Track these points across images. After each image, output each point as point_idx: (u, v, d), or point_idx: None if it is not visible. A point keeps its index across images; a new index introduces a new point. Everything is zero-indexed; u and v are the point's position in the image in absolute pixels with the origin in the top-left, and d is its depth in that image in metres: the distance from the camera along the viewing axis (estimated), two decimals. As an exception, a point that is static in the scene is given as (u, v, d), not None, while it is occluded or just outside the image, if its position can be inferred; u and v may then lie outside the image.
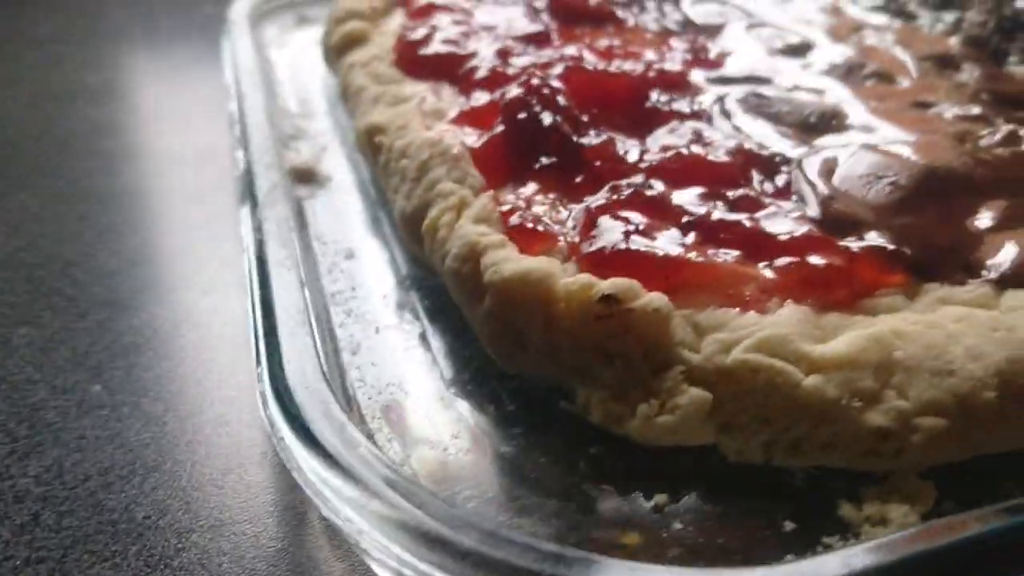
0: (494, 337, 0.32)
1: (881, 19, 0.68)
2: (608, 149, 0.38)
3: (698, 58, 0.54)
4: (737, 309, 0.30)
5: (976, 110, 0.48)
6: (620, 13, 0.64)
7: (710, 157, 0.38)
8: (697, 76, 0.51)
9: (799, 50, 0.58)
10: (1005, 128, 0.43)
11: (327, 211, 0.43)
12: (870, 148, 0.40)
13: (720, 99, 0.48)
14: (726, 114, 0.46)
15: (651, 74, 0.47)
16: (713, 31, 0.61)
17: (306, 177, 0.45)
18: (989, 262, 0.33)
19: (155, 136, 0.65)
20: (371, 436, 0.28)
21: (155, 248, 0.50)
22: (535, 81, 0.42)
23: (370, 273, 0.38)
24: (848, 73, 0.55)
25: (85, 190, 0.55)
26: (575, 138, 0.39)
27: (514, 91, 0.42)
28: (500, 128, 0.40)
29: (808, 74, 0.54)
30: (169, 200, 0.57)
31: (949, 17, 0.68)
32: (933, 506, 0.26)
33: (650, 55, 0.53)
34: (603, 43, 0.56)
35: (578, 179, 0.38)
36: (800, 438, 0.28)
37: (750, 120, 0.46)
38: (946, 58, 0.57)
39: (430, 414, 0.30)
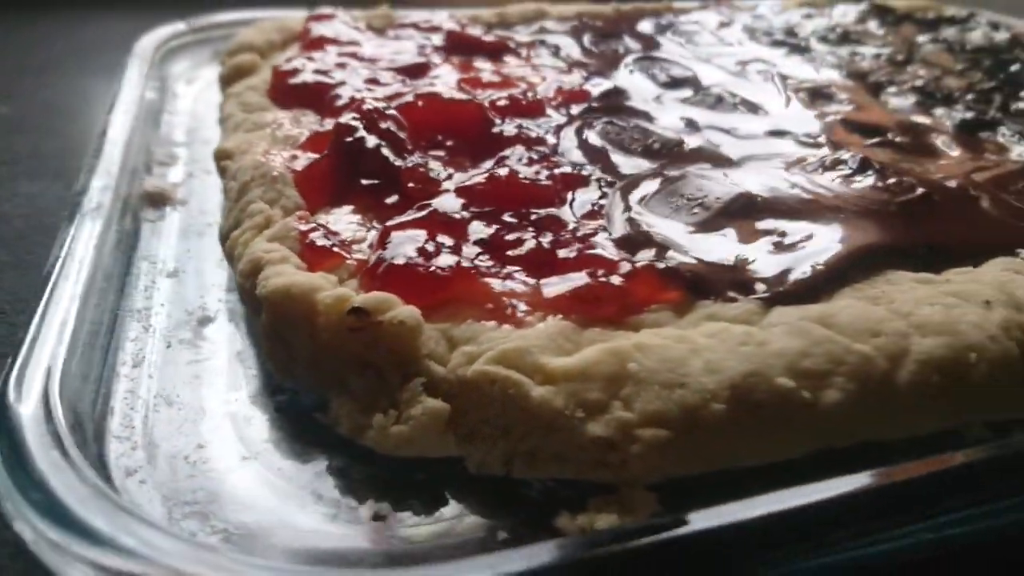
0: (270, 350, 0.32)
1: (777, 52, 0.69)
2: (419, 172, 0.39)
3: (572, 91, 0.55)
4: (494, 323, 0.31)
5: (823, 138, 0.48)
6: (517, 48, 0.65)
7: (525, 179, 0.39)
8: (564, 105, 0.52)
9: (681, 83, 0.59)
10: (831, 156, 0.43)
11: (170, 232, 0.44)
12: (696, 175, 0.41)
13: (579, 127, 0.49)
14: (575, 140, 0.47)
15: (503, 102, 0.48)
16: (608, 63, 0.62)
17: (158, 200, 0.46)
18: (760, 281, 0.33)
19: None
20: (101, 450, 0.28)
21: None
22: (366, 107, 0.42)
23: (188, 292, 0.39)
24: (718, 103, 0.55)
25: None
26: (394, 161, 0.40)
27: (346, 117, 0.43)
28: (326, 152, 0.41)
29: (680, 105, 0.55)
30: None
31: (843, 51, 0.69)
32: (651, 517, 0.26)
33: (522, 86, 0.55)
34: (485, 76, 0.57)
35: (391, 200, 0.39)
36: (534, 449, 0.28)
37: (597, 147, 0.46)
38: (820, 90, 0.58)
39: (187, 425, 0.30)
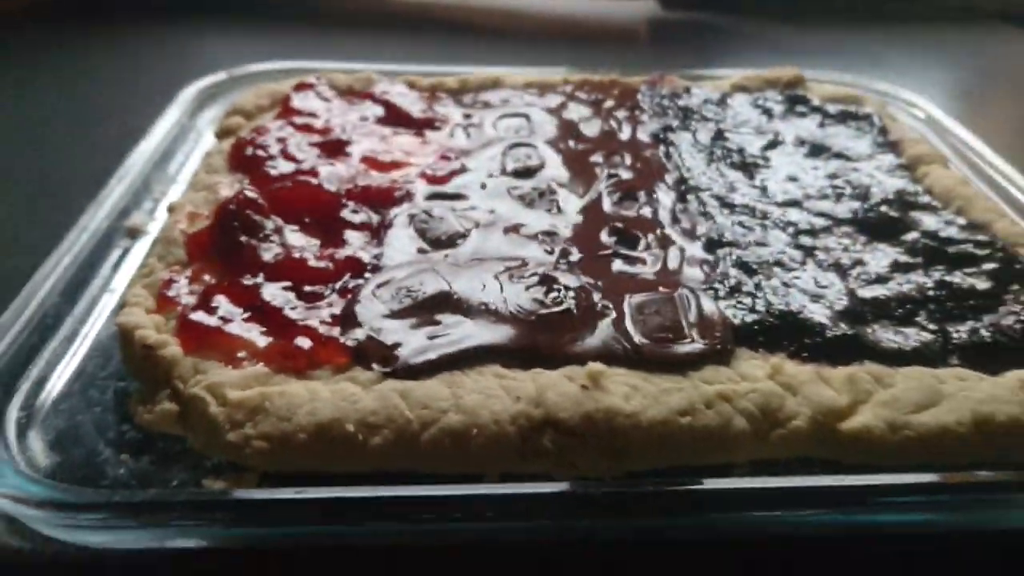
0: (123, 357, 0.56)
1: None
2: (252, 251, 0.60)
3: (432, 176, 0.73)
4: (225, 364, 0.52)
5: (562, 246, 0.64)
6: (440, 126, 0.84)
7: (310, 263, 0.59)
8: (417, 190, 0.71)
9: (527, 173, 0.76)
10: (530, 269, 0.60)
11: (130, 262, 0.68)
12: (424, 271, 0.59)
13: (408, 214, 0.68)
14: (393, 226, 0.66)
15: (356, 189, 0.68)
16: (485, 144, 0.80)
17: (133, 233, 0.71)
18: (395, 359, 0.52)
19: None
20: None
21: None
22: (244, 195, 0.64)
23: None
24: (539, 197, 0.71)
25: None
26: (244, 239, 0.62)
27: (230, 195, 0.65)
28: (210, 224, 0.64)
29: (503, 196, 0.71)
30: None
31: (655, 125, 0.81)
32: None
33: (400, 170, 0.74)
34: (385, 156, 0.77)
35: (238, 268, 0.61)
36: (213, 441, 0.49)
37: (403, 232, 0.65)
38: (632, 191, 0.72)
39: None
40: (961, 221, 0.69)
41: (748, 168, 0.77)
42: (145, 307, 0.56)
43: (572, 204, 0.70)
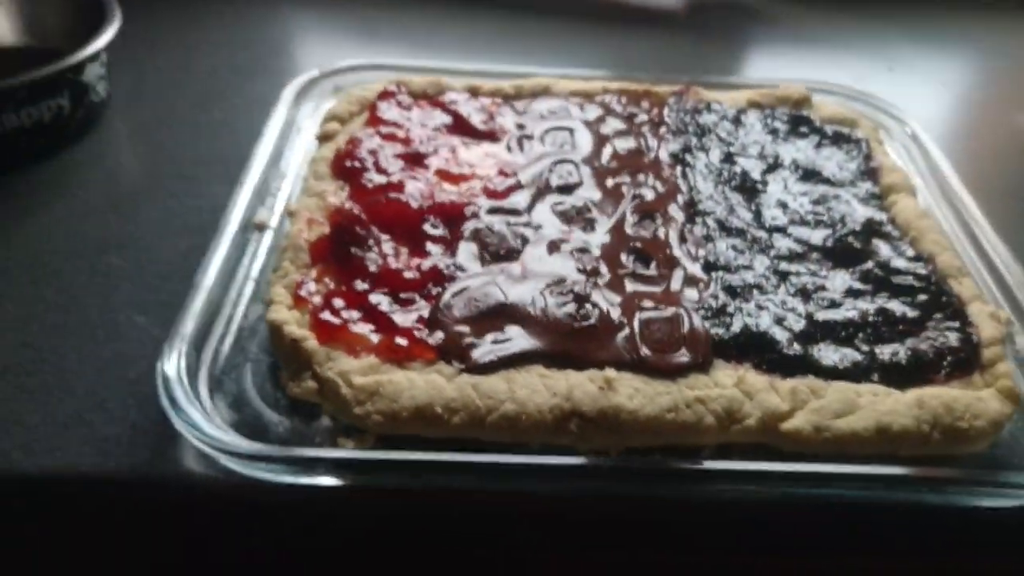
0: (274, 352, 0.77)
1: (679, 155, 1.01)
2: (360, 262, 0.81)
3: (493, 191, 0.92)
4: (348, 354, 0.73)
5: (593, 264, 0.83)
6: (498, 136, 1.02)
7: (404, 275, 0.80)
8: (481, 205, 0.90)
9: (567, 189, 0.94)
10: (568, 286, 0.79)
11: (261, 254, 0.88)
12: (489, 283, 0.79)
13: (474, 228, 0.87)
14: (463, 239, 0.86)
15: (434, 205, 0.87)
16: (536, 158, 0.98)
17: (260, 227, 0.91)
18: (469, 358, 0.73)
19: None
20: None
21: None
22: (350, 212, 0.84)
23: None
24: (576, 214, 0.91)
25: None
26: (353, 251, 0.82)
27: (347, 204, 0.85)
28: (328, 232, 0.84)
29: (549, 212, 0.91)
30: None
31: (676, 145, 0.99)
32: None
33: (467, 183, 0.93)
34: (455, 169, 0.95)
35: (350, 273, 0.81)
36: (343, 411, 0.71)
37: (470, 246, 0.85)
38: (652, 211, 0.91)
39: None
40: (910, 252, 0.87)
41: (748, 191, 0.94)
42: (286, 304, 0.77)
43: (602, 223, 0.89)
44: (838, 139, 1.04)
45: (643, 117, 1.06)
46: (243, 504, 0.69)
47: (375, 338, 0.74)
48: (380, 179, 0.91)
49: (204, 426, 0.66)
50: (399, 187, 0.89)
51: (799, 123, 1.06)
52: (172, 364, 0.70)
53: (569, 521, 0.70)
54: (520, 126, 1.03)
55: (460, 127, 1.01)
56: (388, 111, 1.01)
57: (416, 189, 0.89)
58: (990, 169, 1.17)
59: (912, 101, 1.31)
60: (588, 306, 0.77)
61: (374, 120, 1.01)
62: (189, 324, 0.74)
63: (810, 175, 0.98)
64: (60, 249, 0.91)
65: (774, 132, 1.04)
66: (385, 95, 1.04)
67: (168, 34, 1.32)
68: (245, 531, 0.71)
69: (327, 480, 0.68)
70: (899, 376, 0.75)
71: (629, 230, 0.88)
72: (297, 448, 0.68)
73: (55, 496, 0.70)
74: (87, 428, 0.72)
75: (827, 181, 0.97)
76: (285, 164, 0.99)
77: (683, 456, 0.70)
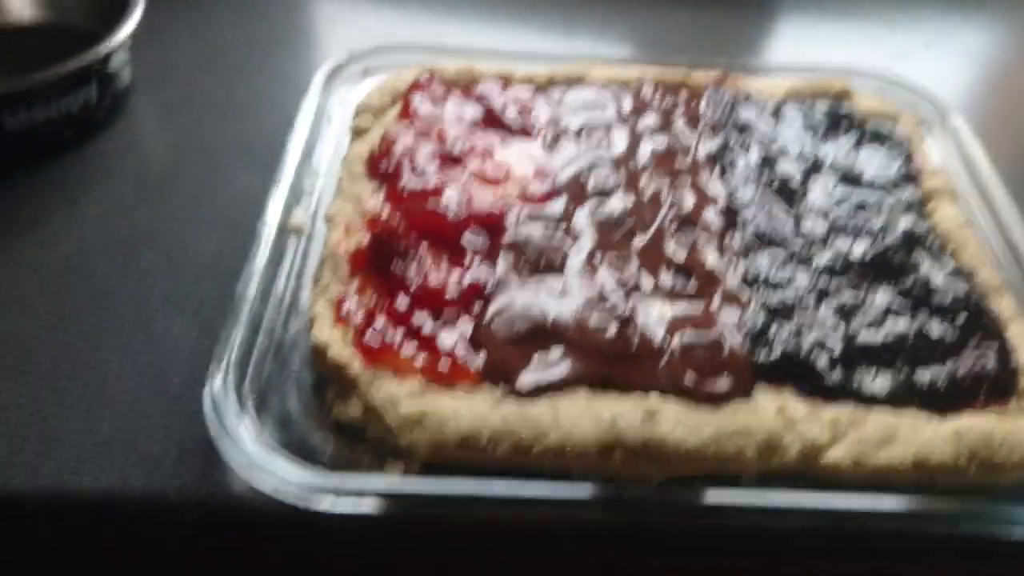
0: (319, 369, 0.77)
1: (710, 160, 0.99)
2: (400, 279, 0.80)
3: (534, 197, 0.91)
4: (393, 376, 0.74)
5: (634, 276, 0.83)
6: (537, 134, 1.00)
7: (446, 295, 0.79)
8: (519, 213, 0.89)
9: (603, 194, 0.93)
10: (610, 306, 0.79)
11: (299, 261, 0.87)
12: (530, 300, 0.79)
13: (513, 240, 0.86)
14: (502, 250, 0.85)
15: (472, 214, 0.86)
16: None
17: (298, 231, 0.90)
18: (517, 381, 0.73)
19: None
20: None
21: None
22: (389, 225, 0.83)
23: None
24: (614, 225, 0.90)
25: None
26: (393, 266, 0.81)
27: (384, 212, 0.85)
28: (367, 243, 0.83)
29: (587, 223, 0.90)
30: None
31: (713, 145, 0.98)
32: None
33: (503, 186, 0.92)
34: (491, 171, 0.94)
35: (391, 287, 0.81)
36: (387, 435, 0.72)
37: (509, 258, 0.84)
38: (689, 218, 0.90)
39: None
40: (951, 267, 0.87)
41: (788, 196, 0.93)
42: (328, 322, 0.77)
43: (640, 233, 0.88)
44: (878, 137, 1.02)
45: (680, 112, 1.03)
46: (293, 530, 0.71)
47: (419, 360, 0.75)
48: (417, 183, 0.90)
49: (255, 458, 0.68)
50: (436, 192, 0.88)
51: (839, 119, 1.04)
52: (219, 392, 0.71)
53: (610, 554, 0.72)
54: (555, 121, 1.01)
55: (494, 122, 0.99)
56: (422, 105, 0.99)
57: (454, 195, 0.88)
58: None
59: (951, 81, 1.28)
60: (629, 330, 0.77)
61: (407, 114, 0.99)
62: (235, 342, 0.75)
63: (850, 179, 0.96)
64: (90, 247, 0.90)
65: (813, 128, 1.02)
66: (417, 86, 1.02)
67: (188, 8, 1.28)
68: (295, 556, 0.73)
69: (376, 507, 0.69)
70: (937, 403, 0.75)
71: (668, 241, 0.87)
72: (347, 475, 0.69)
73: (101, 520, 0.72)
74: (131, 446, 0.73)
75: (868, 185, 0.96)
76: (317, 159, 0.98)
77: (722, 483, 0.71)
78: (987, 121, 1.22)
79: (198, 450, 0.73)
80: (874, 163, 0.98)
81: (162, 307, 0.84)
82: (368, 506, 0.68)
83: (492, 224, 0.87)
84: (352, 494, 0.68)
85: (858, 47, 1.33)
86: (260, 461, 0.68)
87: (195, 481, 0.72)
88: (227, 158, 1.03)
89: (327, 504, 0.68)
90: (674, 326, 0.78)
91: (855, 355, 0.78)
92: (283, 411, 0.74)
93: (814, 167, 0.97)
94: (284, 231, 0.88)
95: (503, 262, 0.83)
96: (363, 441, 0.73)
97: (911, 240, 0.89)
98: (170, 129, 1.06)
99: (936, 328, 0.80)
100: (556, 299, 0.80)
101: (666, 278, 0.84)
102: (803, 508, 0.69)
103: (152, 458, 0.73)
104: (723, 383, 0.74)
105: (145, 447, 0.73)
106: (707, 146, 0.99)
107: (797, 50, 1.33)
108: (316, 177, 0.95)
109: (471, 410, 0.71)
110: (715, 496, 0.69)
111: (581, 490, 0.69)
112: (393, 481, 0.70)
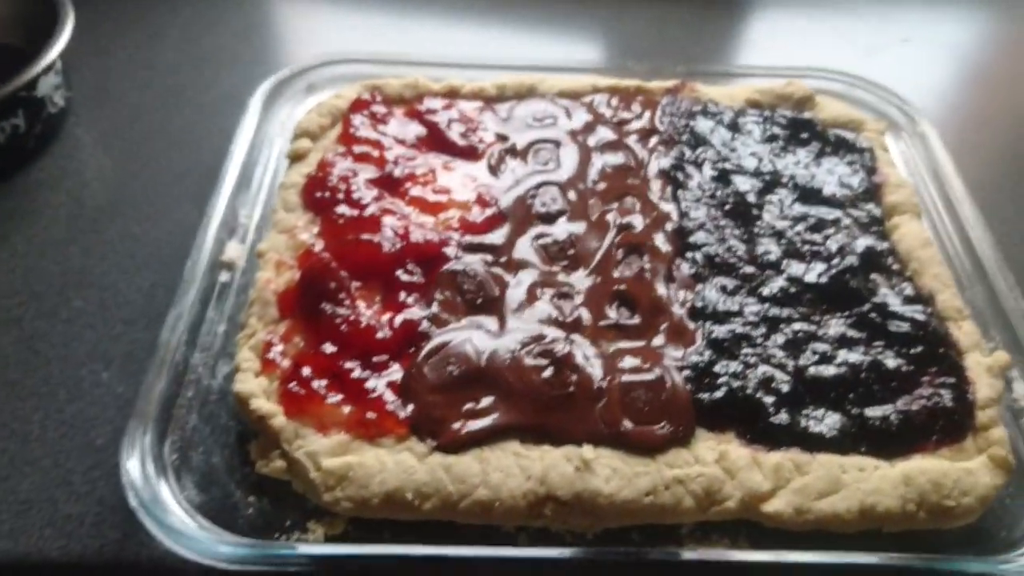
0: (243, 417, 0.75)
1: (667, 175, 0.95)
2: (330, 321, 0.77)
3: (471, 224, 0.87)
4: (317, 430, 0.71)
5: (576, 313, 0.79)
6: (478, 151, 0.96)
7: (378, 334, 0.76)
8: (459, 242, 0.85)
9: (549, 218, 0.89)
10: (543, 345, 0.75)
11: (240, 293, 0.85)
12: (464, 339, 0.76)
13: (451, 270, 0.82)
14: (439, 285, 0.82)
15: (409, 245, 0.82)
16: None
17: (228, 266, 0.87)
18: (445, 433, 0.70)
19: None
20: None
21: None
22: (319, 262, 0.80)
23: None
24: (559, 253, 0.86)
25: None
26: (323, 306, 0.78)
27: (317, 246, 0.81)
28: (296, 282, 0.80)
29: (530, 248, 0.86)
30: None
31: (667, 161, 0.93)
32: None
33: (445, 212, 0.88)
34: (432, 197, 0.90)
35: (319, 332, 0.77)
36: (311, 493, 0.69)
37: (447, 293, 0.81)
38: (639, 245, 0.86)
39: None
40: (909, 291, 0.83)
41: (743, 216, 0.89)
42: (253, 370, 0.74)
43: (585, 260, 0.84)
44: (840, 147, 0.98)
45: (635, 125, 0.99)
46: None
47: (345, 410, 0.72)
48: (353, 212, 0.86)
49: (172, 523, 0.65)
50: (372, 223, 0.85)
51: (800, 128, 0.99)
52: (137, 452, 0.68)
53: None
54: (503, 137, 0.97)
55: (438, 142, 0.95)
56: (362, 127, 0.95)
57: (390, 227, 0.85)
58: (1004, 163, 1.10)
59: (926, 79, 1.23)
60: (567, 371, 0.74)
61: (347, 137, 0.95)
62: (155, 395, 0.72)
63: (809, 195, 0.92)
64: (19, 290, 0.87)
65: (773, 138, 0.98)
66: (358, 105, 0.98)
67: (128, 24, 1.24)
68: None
69: (296, 571, 0.67)
70: (888, 444, 0.72)
71: (614, 269, 0.84)
72: (266, 543, 0.66)
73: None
74: (51, 506, 0.71)
75: (827, 202, 0.91)
76: (256, 186, 0.94)
77: (661, 535, 0.68)
78: (963, 120, 1.17)
79: (120, 510, 0.70)
80: (835, 177, 0.94)
81: (90, 356, 0.82)
82: (289, 569, 0.66)
83: (430, 256, 0.83)
84: (269, 562, 0.65)
85: (831, 43, 1.28)
86: (177, 526, 0.66)
87: (115, 543, 0.69)
88: (166, 188, 0.99)
89: (247, 568, 0.66)
90: (614, 365, 0.75)
91: (804, 392, 0.74)
92: (207, 467, 0.72)
93: (771, 183, 0.93)
94: (216, 268, 0.84)
95: (438, 299, 0.80)
96: (288, 496, 0.70)
97: (869, 262, 0.85)
98: (107, 156, 1.03)
99: (891, 360, 0.77)
100: (492, 338, 0.77)
101: (610, 311, 0.80)
102: (740, 563, 0.66)
103: (72, 518, 0.71)
104: (662, 429, 0.71)
105: (65, 508, 0.71)
106: (660, 162, 0.95)
107: (770, 45, 1.28)
108: (253, 207, 0.92)
109: (397, 464, 0.69)
110: (651, 555, 0.67)
111: (509, 551, 0.67)
112: (312, 546, 0.67)
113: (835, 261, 0.84)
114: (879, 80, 1.09)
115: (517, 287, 0.82)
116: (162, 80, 1.13)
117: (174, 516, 0.66)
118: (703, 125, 0.99)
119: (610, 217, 0.89)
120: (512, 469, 0.68)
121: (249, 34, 1.25)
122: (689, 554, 0.67)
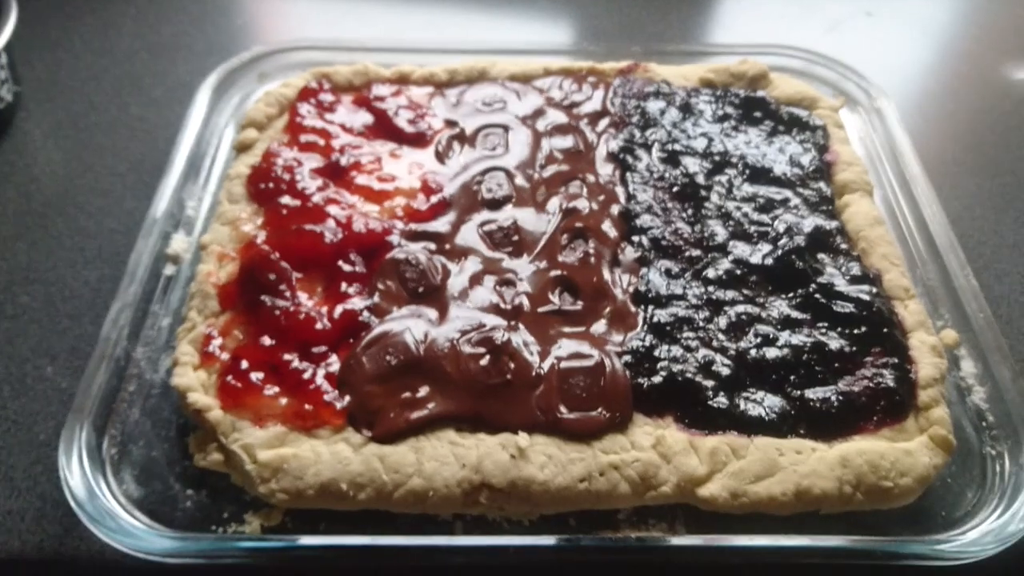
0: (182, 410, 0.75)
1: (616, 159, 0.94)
2: (269, 312, 0.77)
3: (415, 212, 0.86)
4: (254, 422, 0.71)
5: (518, 300, 0.78)
6: (426, 138, 0.95)
7: (317, 325, 0.76)
8: (402, 230, 0.85)
9: (495, 204, 0.88)
10: (485, 333, 0.75)
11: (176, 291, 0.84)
12: (402, 330, 0.76)
13: (393, 259, 0.82)
14: (381, 274, 0.81)
15: (351, 235, 0.82)
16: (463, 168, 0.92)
17: (174, 260, 0.86)
18: (381, 423, 0.70)
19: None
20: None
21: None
22: (260, 253, 0.79)
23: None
24: (504, 239, 0.85)
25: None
26: (262, 298, 0.77)
27: (259, 238, 0.81)
28: (237, 275, 0.80)
29: (476, 235, 0.85)
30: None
31: (616, 143, 0.93)
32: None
33: (390, 200, 0.87)
34: (377, 186, 0.89)
35: (258, 324, 0.77)
36: (248, 485, 0.69)
37: (388, 282, 0.80)
38: (584, 231, 0.85)
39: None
40: (856, 270, 0.82)
41: (690, 198, 0.89)
42: (192, 364, 0.74)
43: (530, 246, 0.84)
44: (794, 125, 0.97)
45: (586, 107, 0.98)
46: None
47: (282, 402, 0.72)
48: (296, 203, 0.86)
49: (110, 518, 0.65)
50: (316, 213, 0.84)
51: (753, 106, 0.98)
52: (76, 447, 0.68)
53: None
54: (451, 123, 0.96)
55: (386, 129, 0.94)
56: (308, 116, 0.95)
57: (334, 216, 0.84)
58: (965, 138, 1.09)
59: (889, 54, 1.22)
60: (505, 359, 0.73)
61: (293, 127, 0.94)
62: (95, 390, 0.72)
63: (759, 174, 0.91)
64: (-33, 287, 0.87)
65: (725, 118, 0.97)
66: (305, 94, 0.97)
67: (82, 14, 1.22)
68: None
69: (232, 562, 0.67)
70: (828, 425, 0.72)
71: (559, 255, 0.83)
72: (202, 536, 0.67)
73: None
74: (-8, 501, 0.71)
75: (776, 181, 0.91)
76: (204, 176, 0.94)
77: (599, 520, 0.68)
78: (925, 94, 1.16)
79: (60, 505, 0.71)
80: (785, 156, 0.93)
81: (35, 352, 0.82)
82: (225, 561, 0.66)
83: (372, 245, 0.83)
84: (204, 555, 0.65)
85: (797, 16, 1.27)
86: (115, 521, 0.66)
87: (55, 538, 0.70)
88: (118, 179, 0.99)
89: (183, 561, 0.66)
90: (554, 352, 0.75)
91: (744, 375, 0.74)
92: (147, 460, 0.72)
93: (721, 164, 0.92)
94: (160, 260, 0.84)
95: (380, 288, 0.79)
96: (227, 489, 0.70)
97: (816, 242, 0.84)
98: (58, 150, 1.02)
99: (834, 341, 0.76)
100: (432, 327, 0.76)
101: (553, 297, 0.80)
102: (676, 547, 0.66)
103: (13, 514, 0.71)
104: (599, 415, 0.71)
105: (6, 503, 0.71)
106: (609, 145, 0.94)
107: (735, 22, 1.27)
108: (201, 199, 0.92)
109: (332, 455, 0.69)
110: (586, 543, 0.67)
111: (444, 540, 0.67)
112: (246, 539, 0.67)
113: (782, 242, 0.84)
114: (839, 56, 1.07)
115: (460, 275, 0.81)
116: (116, 70, 1.13)
117: (111, 511, 0.66)
118: (654, 106, 0.98)
119: (556, 202, 0.88)
120: (447, 458, 0.68)
121: (206, 22, 1.24)
122: (624, 539, 0.66)
